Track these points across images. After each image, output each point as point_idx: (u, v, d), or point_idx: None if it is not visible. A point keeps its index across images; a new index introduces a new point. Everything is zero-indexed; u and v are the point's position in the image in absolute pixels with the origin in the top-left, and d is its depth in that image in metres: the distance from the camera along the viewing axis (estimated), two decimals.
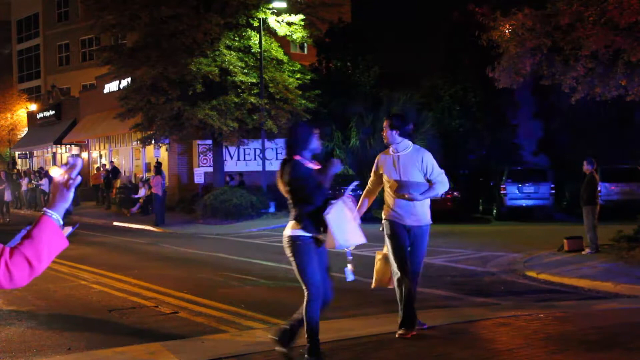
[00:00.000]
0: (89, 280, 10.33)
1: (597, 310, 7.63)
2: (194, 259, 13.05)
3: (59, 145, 37.62)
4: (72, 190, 2.31)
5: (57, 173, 2.31)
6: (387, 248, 6.15)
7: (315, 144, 5.28)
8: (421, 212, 6.04)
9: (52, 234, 2.22)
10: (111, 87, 30.48)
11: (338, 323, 6.99)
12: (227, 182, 23.83)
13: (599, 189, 12.34)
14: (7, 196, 24.98)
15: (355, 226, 5.16)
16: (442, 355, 5.59)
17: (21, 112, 45.14)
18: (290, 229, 5.17)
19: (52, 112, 38.54)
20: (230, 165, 25.77)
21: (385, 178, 6.13)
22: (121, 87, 28.11)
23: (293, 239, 5.12)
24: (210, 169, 24.48)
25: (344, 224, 5.08)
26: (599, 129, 23.81)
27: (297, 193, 5.12)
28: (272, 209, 22.08)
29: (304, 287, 5.17)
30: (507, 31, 12.60)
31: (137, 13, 21.05)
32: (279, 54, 22.85)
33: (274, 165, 26.53)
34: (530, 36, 11.82)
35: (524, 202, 20.65)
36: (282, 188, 5.26)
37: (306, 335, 5.13)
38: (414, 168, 5.95)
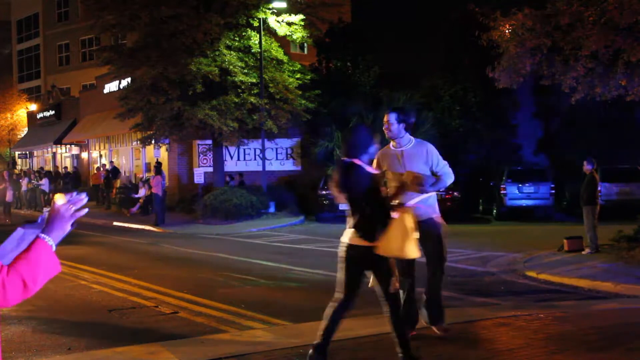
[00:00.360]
0: (89, 280, 10.33)
1: (597, 310, 7.63)
2: (194, 259, 13.05)
3: (59, 145, 37.63)
4: (72, 222, 2.32)
5: (61, 202, 2.32)
6: None
7: (374, 148, 5.14)
8: (429, 204, 5.92)
9: (48, 258, 2.24)
10: (111, 87, 30.48)
11: None
12: (227, 182, 23.83)
13: (599, 189, 12.34)
14: (9, 197, 24.95)
15: (414, 239, 4.94)
16: (442, 355, 5.59)
17: (21, 112, 45.15)
18: (348, 236, 5.04)
19: (52, 112, 38.55)
20: (230, 165, 25.78)
21: (389, 175, 5.96)
22: (121, 87, 28.11)
23: (347, 248, 5.05)
24: (210, 169, 24.48)
25: (403, 234, 4.87)
26: (599, 129, 23.80)
27: (358, 199, 4.93)
28: (272, 209, 22.08)
29: (338, 290, 5.18)
30: (507, 31, 12.60)
31: (137, 13, 21.05)
32: (279, 54, 22.86)
33: (273, 165, 26.56)
34: (530, 36, 11.81)
35: (524, 202, 20.65)
36: (338, 192, 5.05)
37: (320, 333, 5.16)
38: (420, 161, 5.83)
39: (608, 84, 11.81)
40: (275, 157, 26.88)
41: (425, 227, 5.72)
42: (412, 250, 4.93)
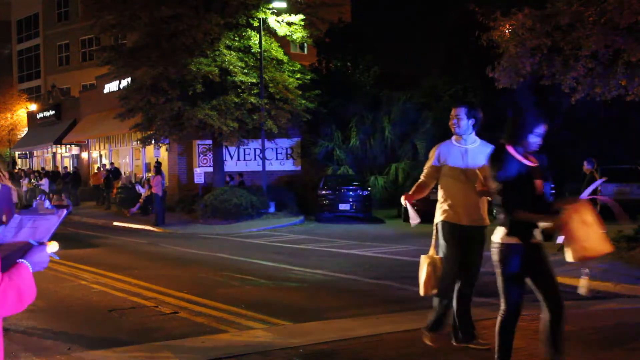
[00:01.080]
0: (89, 280, 10.33)
1: (597, 310, 7.62)
2: (194, 259, 13.05)
3: (59, 145, 37.66)
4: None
5: (53, 249, 2.40)
6: (443, 253, 5.53)
7: (535, 140, 4.45)
8: (482, 211, 5.51)
9: (31, 283, 2.30)
10: (111, 87, 30.49)
11: (338, 323, 7.00)
12: (227, 182, 23.84)
13: (599, 189, 12.34)
14: (14, 197, 24.87)
15: (601, 233, 4.37)
16: (442, 355, 5.59)
17: (21, 112, 45.16)
18: (499, 234, 4.57)
19: (52, 112, 38.56)
20: (230, 165, 25.78)
21: (451, 172, 5.48)
22: (121, 87, 28.12)
23: (500, 247, 4.57)
24: (210, 169, 24.48)
25: (591, 231, 4.36)
26: (599, 129, 23.80)
27: (509, 191, 4.38)
28: (272, 209, 22.09)
29: (501, 300, 4.75)
30: (507, 31, 12.59)
31: (137, 13, 21.05)
32: (279, 54, 22.86)
33: (273, 166, 26.58)
34: (530, 36, 11.81)
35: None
36: (489, 183, 4.57)
37: (497, 348, 4.73)
38: (483, 163, 5.27)
39: (608, 84, 11.81)
40: (275, 157, 26.89)
41: (470, 237, 5.46)
42: (606, 245, 4.42)
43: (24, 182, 30.63)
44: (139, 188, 24.22)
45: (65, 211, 2.44)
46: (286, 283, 9.98)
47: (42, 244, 2.36)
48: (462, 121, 5.47)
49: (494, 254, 4.60)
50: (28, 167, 42.40)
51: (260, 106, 21.52)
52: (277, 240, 16.32)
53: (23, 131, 45.04)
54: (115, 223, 21.98)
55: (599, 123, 23.75)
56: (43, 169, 36.29)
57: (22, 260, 2.31)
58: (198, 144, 25.85)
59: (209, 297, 8.66)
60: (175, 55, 20.52)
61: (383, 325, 6.65)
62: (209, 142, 23.93)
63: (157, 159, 25.97)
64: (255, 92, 21.51)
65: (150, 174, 25.42)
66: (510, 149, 4.42)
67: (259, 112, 21.62)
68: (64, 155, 39.37)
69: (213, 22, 20.29)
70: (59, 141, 36.26)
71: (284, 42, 24.34)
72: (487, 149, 5.41)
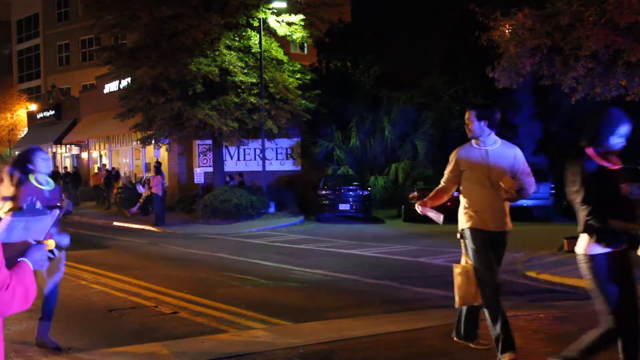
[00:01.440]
0: (89, 280, 10.33)
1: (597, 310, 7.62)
2: (194, 259, 13.05)
3: (59, 145, 37.66)
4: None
5: (51, 247, 2.45)
6: (471, 260, 5.29)
7: (617, 141, 4.16)
8: (506, 215, 5.34)
9: (33, 281, 2.33)
10: (111, 87, 30.50)
11: (338, 323, 7.00)
12: (227, 182, 23.84)
13: None
14: None
15: None
16: (442, 355, 5.59)
17: (21, 112, 45.16)
18: (582, 244, 4.18)
19: (52, 112, 38.57)
20: (230, 165, 25.79)
21: (474, 176, 5.33)
22: (121, 87, 28.13)
23: (587, 259, 4.15)
24: (210, 169, 24.49)
25: None
26: None
27: (587, 199, 4.05)
28: (272, 209, 22.10)
29: (605, 314, 4.24)
30: (507, 31, 12.59)
31: (137, 13, 21.05)
32: (279, 54, 22.86)
33: (273, 166, 26.60)
34: (530, 36, 11.81)
35: (524, 202, 20.61)
36: (570, 191, 4.21)
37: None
38: (505, 164, 5.26)
39: (608, 84, 11.82)
40: (275, 157, 26.90)
41: (495, 242, 5.27)
42: None
43: None
44: (139, 188, 24.23)
45: (58, 211, 2.45)
46: (286, 283, 9.98)
47: (40, 242, 2.39)
48: (473, 124, 5.41)
49: (583, 268, 4.18)
50: None
51: (260, 106, 21.53)
52: (277, 240, 16.32)
53: (23, 131, 45.05)
54: (115, 223, 21.98)
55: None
56: None
57: (23, 259, 2.34)
58: (198, 144, 25.86)
59: (209, 297, 8.66)
60: (175, 55, 20.53)
61: (383, 325, 6.65)
62: (209, 142, 23.94)
63: (157, 159, 25.97)
64: (255, 92, 21.52)
65: (150, 174, 25.43)
66: (590, 152, 4.17)
67: (259, 112, 21.63)
68: (64, 155, 39.38)
69: (213, 22, 20.29)
70: (59, 141, 36.27)
71: (284, 42, 24.35)
72: (510, 149, 5.36)
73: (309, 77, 23.42)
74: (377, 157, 26.60)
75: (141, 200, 23.68)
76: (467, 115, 5.49)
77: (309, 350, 5.77)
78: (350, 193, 21.21)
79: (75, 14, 43.82)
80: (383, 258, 12.67)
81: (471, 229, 5.28)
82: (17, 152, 44.22)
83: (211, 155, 24.28)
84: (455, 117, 25.89)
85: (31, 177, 5.79)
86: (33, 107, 42.28)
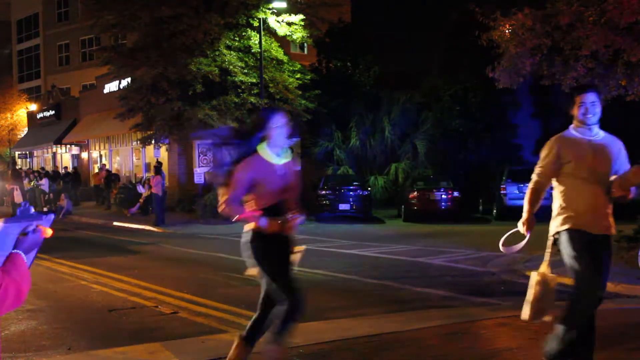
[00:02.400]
0: (89, 280, 10.33)
1: (597, 310, 7.62)
2: (194, 259, 13.05)
3: (59, 145, 37.67)
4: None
5: (47, 234, 2.33)
6: (572, 269, 4.76)
7: None
8: (611, 217, 4.61)
9: (26, 273, 2.23)
10: (111, 87, 30.49)
11: (338, 323, 7.00)
12: None
13: None
14: (17, 197, 24.80)
15: None
16: (442, 355, 5.59)
17: (21, 112, 45.16)
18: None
19: (52, 112, 38.58)
20: None
21: (578, 171, 4.54)
22: (121, 87, 28.12)
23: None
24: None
25: None
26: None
27: None
28: None
29: None
30: (507, 31, 12.59)
31: (137, 13, 21.07)
32: (279, 54, 22.87)
33: None
34: (530, 36, 11.81)
35: (524, 202, 20.63)
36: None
37: None
38: (611, 156, 4.58)
39: (608, 84, 11.82)
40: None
41: (600, 247, 4.62)
42: None
43: (24, 182, 30.61)
44: (139, 188, 24.24)
45: (52, 215, 2.38)
46: None
47: (35, 231, 2.26)
48: (598, 107, 4.58)
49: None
50: (28, 167, 42.41)
51: (260, 106, 21.52)
52: None
53: (23, 131, 45.06)
54: (115, 223, 21.98)
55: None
56: (43, 169, 36.27)
57: (16, 250, 2.21)
58: (198, 144, 25.85)
59: (209, 297, 8.66)
60: (175, 55, 20.54)
61: (383, 325, 6.65)
62: (209, 142, 23.91)
63: (157, 159, 25.97)
64: (255, 92, 21.52)
65: (150, 174, 25.43)
66: None
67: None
68: (64, 155, 39.38)
69: (213, 22, 20.30)
70: (59, 141, 36.27)
71: (284, 42, 24.35)
72: (617, 142, 4.71)
73: (309, 77, 23.42)
74: (377, 157, 26.60)
75: (141, 200, 23.69)
76: (584, 98, 4.56)
77: (309, 350, 5.76)
78: (350, 193, 21.20)
79: (75, 14, 43.82)
80: (383, 258, 12.66)
81: (570, 230, 4.62)
82: (16, 152, 44.29)
83: (211, 155, 24.27)
84: (455, 117, 25.91)
85: None
86: (33, 107, 42.28)
